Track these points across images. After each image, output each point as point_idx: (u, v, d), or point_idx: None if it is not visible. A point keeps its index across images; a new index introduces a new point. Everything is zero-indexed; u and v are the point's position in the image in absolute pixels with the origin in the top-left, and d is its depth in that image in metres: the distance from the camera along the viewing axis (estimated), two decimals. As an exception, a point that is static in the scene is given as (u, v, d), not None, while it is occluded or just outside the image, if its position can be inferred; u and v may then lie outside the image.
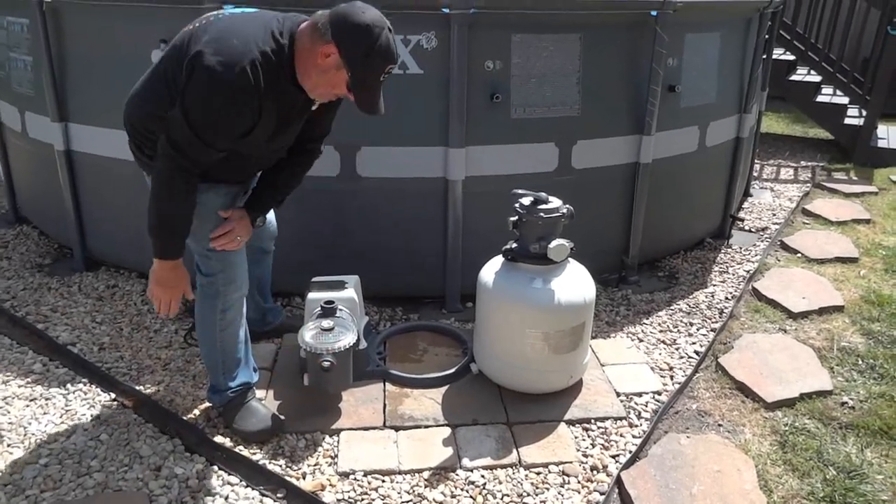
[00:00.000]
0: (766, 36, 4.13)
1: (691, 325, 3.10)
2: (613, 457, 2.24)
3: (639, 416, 2.44)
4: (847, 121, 6.15)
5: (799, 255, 3.91)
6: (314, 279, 2.64)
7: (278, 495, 2.05)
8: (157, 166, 1.88)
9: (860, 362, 2.83)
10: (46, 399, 2.46)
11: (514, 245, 2.44)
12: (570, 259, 2.47)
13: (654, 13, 3.07)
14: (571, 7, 3.11)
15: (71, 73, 3.17)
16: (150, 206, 1.91)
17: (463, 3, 2.73)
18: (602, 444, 2.29)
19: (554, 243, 2.34)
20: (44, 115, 3.30)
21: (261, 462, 2.17)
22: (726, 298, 3.34)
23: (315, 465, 2.17)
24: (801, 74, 6.51)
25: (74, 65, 3.14)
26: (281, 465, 2.16)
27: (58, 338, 2.85)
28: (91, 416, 2.37)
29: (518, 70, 2.94)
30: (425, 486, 2.09)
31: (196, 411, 2.40)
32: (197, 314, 2.25)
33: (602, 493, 2.08)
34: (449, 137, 2.91)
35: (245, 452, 2.21)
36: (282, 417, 2.33)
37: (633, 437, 2.33)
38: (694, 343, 2.94)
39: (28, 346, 2.79)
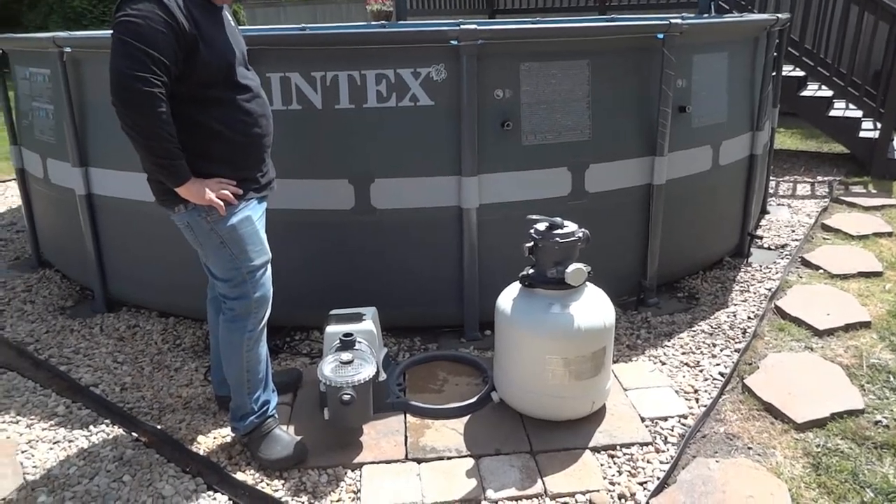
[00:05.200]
0: (775, 53, 4.14)
1: (714, 346, 3.04)
2: (641, 484, 2.19)
3: (665, 441, 2.39)
4: (862, 134, 6.10)
5: (821, 270, 3.85)
6: (332, 312, 2.65)
7: (302, 533, 2.03)
8: (124, 99, 1.90)
9: (892, 379, 2.75)
10: (70, 441, 2.47)
11: (531, 271, 2.43)
12: (587, 283, 2.45)
13: (660, 36, 3.09)
14: (578, 34, 3.15)
15: (91, 119, 3.26)
16: (141, 148, 1.96)
17: (471, 35, 2.77)
18: (629, 472, 2.24)
19: (571, 268, 2.32)
20: (65, 160, 3.38)
21: (283, 499, 2.15)
22: (749, 318, 3.29)
23: (338, 500, 2.14)
24: (812, 90, 6.50)
25: (94, 112, 3.23)
26: (304, 502, 2.14)
27: (80, 379, 2.87)
28: (114, 457, 2.37)
29: (528, 97, 2.96)
30: (450, 520, 2.05)
31: (218, 449, 2.40)
32: (223, 338, 2.29)
33: (631, 523, 2.03)
34: (462, 166, 2.93)
35: (268, 490, 2.19)
36: (306, 444, 2.33)
37: (661, 462, 2.28)
38: (718, 364, 2.89)
39: (51, 389, 2.81)
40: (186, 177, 2.02)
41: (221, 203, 2.08)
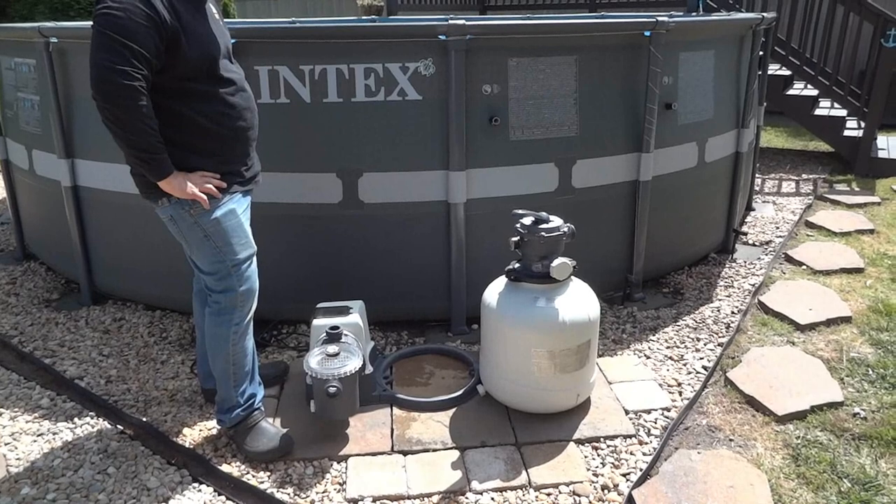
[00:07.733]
0: (761, 52, 4.18)
1: (698, 340, 3.08)
2: (624, 475, 2.21)
3: (648, 434, 2.42)
4: (846, 133, 6.18)
5: (804, 267, 3.90)
6: (319, 305, 2.65)
7: (287, 524, 2.04)
8: (104, 92, 1.89)
9: (870, 373, 2.80)
10: (54, 434, 2.46)
11: (517, 265, 2.45)
12: (573, 277, 2.47)
13: (647, 33, 3.11)
14: (566, 30, 3.17)
15: (77, 110, 3.23)
16: (122, 142, 1.94)
17: (459, 30, 2.78)
18: (612, 463, 2.27)
19: (556, 262, 2.34)
20: (51, 152, 3.36)
21: (269, 491, 2.15)
22: (732, 312, 3.33)
23: (323, 492, 2.15)
24: (798, 89, 6.56)
25: (80, 103, 3.21)
26: (289, 494, 2.14)
27: (65, 372, 2.86)
28: (98, 449, 2.37)
29: (516, 93, 2.98)
30: (435, 511, 2.07)
31: (204, 442, 2.40)
32: (209, 331, 2.28)
33: (614, 513, 2.06)
34: (449, 161, 2.94)
35: (253, 482, 2.19)
36: (292, 437, 2.34)
37: (644, 454, 2.31)
38: (702, 358, 2.92)
39: (35, 382, 2.80)
40: (168, 171, 2.01)
41: (205, 197, 2.07)
